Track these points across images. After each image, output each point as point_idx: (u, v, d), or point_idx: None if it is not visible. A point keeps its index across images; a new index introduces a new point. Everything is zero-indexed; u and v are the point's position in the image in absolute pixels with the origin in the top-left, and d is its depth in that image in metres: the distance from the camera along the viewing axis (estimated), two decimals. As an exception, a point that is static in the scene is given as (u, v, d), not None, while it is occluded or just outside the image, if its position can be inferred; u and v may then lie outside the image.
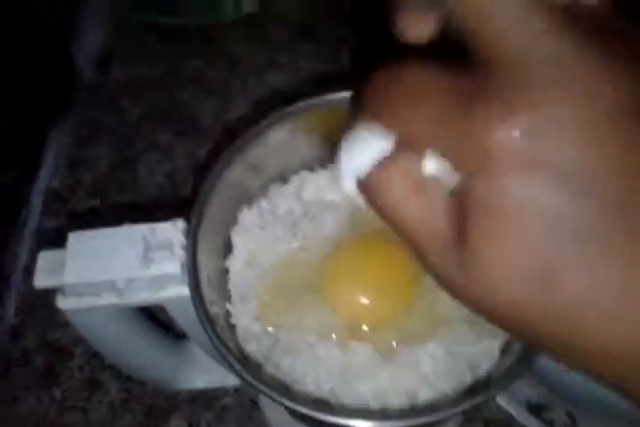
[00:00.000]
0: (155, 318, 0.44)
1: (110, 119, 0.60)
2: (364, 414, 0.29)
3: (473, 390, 0.29)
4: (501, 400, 0.43)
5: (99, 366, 0.48)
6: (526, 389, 0.43)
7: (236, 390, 0.46)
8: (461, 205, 0.15)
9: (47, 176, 0.58)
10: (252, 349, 0.34)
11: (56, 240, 0.53)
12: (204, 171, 0.54)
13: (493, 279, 0.15)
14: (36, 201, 0.56)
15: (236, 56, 0.63)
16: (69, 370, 0.48)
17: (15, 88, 0.58)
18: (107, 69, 0.63)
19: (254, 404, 0.46)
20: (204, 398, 0.46)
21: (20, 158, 0.58)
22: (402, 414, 0.29)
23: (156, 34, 0.65)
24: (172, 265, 0.29)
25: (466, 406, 0.27)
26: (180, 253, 0.30)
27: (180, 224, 0.31)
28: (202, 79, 0.62)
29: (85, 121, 0.60)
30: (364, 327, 0.32)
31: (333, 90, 0.36)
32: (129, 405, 0.47)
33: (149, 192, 0.56)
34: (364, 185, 0.17)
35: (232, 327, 0.34)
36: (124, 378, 0.47)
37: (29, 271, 0.52)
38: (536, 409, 0.43)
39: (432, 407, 0.28)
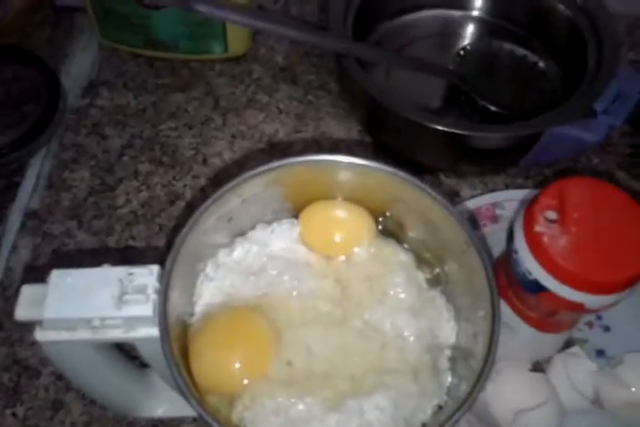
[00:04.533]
0: (121, 346, 0.47)
1: (93, 145, 0.63)
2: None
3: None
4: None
5: (64, 388, 0.50)
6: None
7: (194, 419, 0.49)
8: None
9: (27, 196, 0.60)
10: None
11: (31, 260, 0.55)
12: (181, 201, 0.57)
13: None
14: (14, 219, 0.58)
15: (219, 93, 0.66)
16: (35, 389, 0.50)
17: (6, 111, 0.60)
18: (93, 96, 0.66)
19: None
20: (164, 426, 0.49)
21: (4, 177, 0.60)
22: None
23: (143, 65, 0.68)
24: (144, 308, 0.32)
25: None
26: (153, 298, 0.32)
27: (155, 269, 0.33)
28: (184, 113, 0.65)
29: (69, 145, 0.63)
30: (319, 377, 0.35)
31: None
32: (90, 427, 0.49)
33: (125, 218, 0.58)
34: None
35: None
36: (88, 401, 0.49)
37: (3, 286, 0.54)
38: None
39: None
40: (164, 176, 0.61)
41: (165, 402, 0.44)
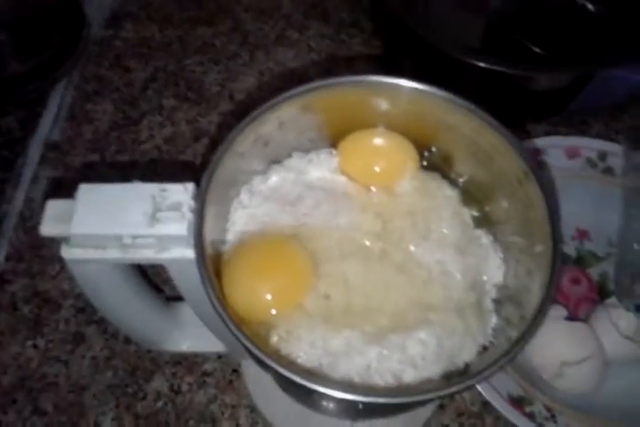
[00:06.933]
0: (148, 279, 0.45)
1: (116, 78, 0.60)
2: (349, 388, 0.30)
3: (451, 377, 0.30)
4: (483, 391, 0.44)
5: (85, 321, 0.48)
6: (509, 382, 0.44)
7: (219, 357, 0.47)
8: None
9: (48, 127, 0.58)
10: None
11: (52, 191, 0.53)
12: (205, 138, 0.54)
13: None
14: (34, 150, 0.56)
15: (247, 29, 0.64)
16: (55, 322, 0.48)
17: (26, 39, 0.58)
18: (117, 28, 0.63)
19: (234, 372, 0.47)
20: (187, 363, 0.47)
21: (24, 106, 0.58)
22: (385, 392, 0.30)
23: (170, -3, 0.65)
24: (179, 227, 0.30)
25: (449, 391, 0.27)
26: (189, 216, 0.30)
27: (190, 187, 0.31)
28: (210, 48, 0.62)
29: (91, 77, 0.60)
30: (358, 311, 0.33)
31: (338, 73, 0.36)
32: (112, 362, 0.47)
33: (149, 153, 0.56)
34: None
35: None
36: (110, 335, 0.48)
37: (24, 218, 0.53)
38: (517, 402, 0.44)
39: (415, 389, 0.29)
40: (188, 112, 0.59)
41: (191, 337, 0.42)
